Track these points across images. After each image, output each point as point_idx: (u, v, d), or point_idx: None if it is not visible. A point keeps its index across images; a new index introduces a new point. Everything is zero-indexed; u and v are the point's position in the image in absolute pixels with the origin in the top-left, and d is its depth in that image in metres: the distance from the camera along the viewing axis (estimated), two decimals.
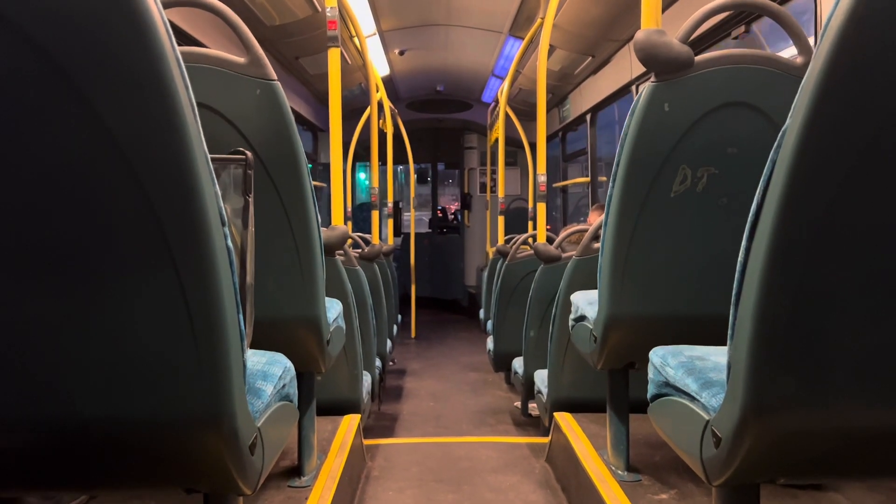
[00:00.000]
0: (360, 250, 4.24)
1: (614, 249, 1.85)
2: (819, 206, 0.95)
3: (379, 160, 4.42)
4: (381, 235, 6.66)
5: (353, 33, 5.06)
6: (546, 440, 3.00)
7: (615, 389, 2.27)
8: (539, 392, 3.18)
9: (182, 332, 0.97)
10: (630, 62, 4.77)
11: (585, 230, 3.07)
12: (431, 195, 10.49)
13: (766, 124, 1.71)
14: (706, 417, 1.19)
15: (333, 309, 2.17)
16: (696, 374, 1.30)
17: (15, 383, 0.98)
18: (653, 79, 1.73)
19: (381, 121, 6.02)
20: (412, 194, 8.20)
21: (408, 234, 8.46)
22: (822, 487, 2.08)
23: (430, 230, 10.28)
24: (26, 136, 0.88)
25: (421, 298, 8.42)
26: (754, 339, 1.02)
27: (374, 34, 5.90)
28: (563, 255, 3.28)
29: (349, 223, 6.37)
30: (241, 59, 1.73)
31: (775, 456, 1.13)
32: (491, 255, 6.04)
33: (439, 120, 9.01)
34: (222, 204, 1.00)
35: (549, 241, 3.63)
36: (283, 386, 1.36)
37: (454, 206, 10.81)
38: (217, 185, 0.98)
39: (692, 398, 1.28)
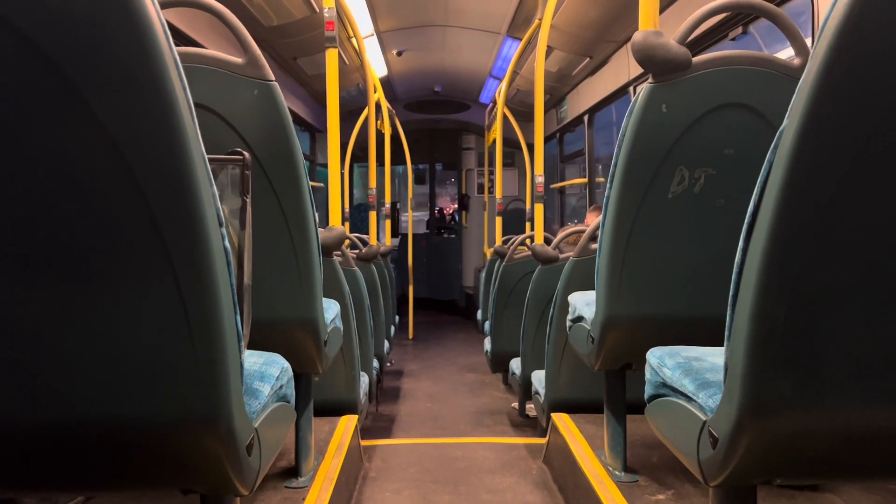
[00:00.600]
0: (357, 251, 4.24)
1: (612, 250, 1.85)
2: (816, 206, 0.95)
3: (377, 161, 4.42)
4: (379, 236, 6.66)
5: (351, 34, 5.06)
6: (543, 441, 3.00)
7: (612, 390, 2.27)
8: (536, 393, 3.18)
9: (179, 333, 0.96)
10: (628, 63, 4.78)
11: (583, 231, 3.08)
12: (429, 196, 10.49)
13: (764, 125, 1.71)
14: (703, 418, 1.19)
15: (331, 310, 2.17)
16: (693, 374, 1.30)
17: (11, 384, 0.98)
18: (650, 80, 1.73)
19: (378, 121, 6.02)
20: (409, 195, 8.20)
21: (406, 235, 8.46)
22: (819, 488, 2.08)
23: (427, 231, 10.28)
24: (23, 137, 0.88)
25: (418, 299, 8.42)
26: (751, 339, 1.02)
27: (372, 35, 5.90)
28: (561, 256, 3.29)
29: (347, 224, 6.37)
30: (238, 60, 1.73)
31: (772, 457, 1.13)
32: (489, 256, 6.05)
33: (437, 121, 9.02)
34: (220, 204, 0.99)
35: (547, 241, 3.64)
36: (281, 387, 1.36)
37: (451, 207, 10.81)
38: (214, 186, 0.98)
39: (689, 399, 1.28)
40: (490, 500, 2.67)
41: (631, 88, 4.80)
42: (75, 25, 0.84)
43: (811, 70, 0.90)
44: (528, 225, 5.32)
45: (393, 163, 6.87)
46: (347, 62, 5.93)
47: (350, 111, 6.92)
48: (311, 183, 1.85)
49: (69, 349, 0.97)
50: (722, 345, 1.13)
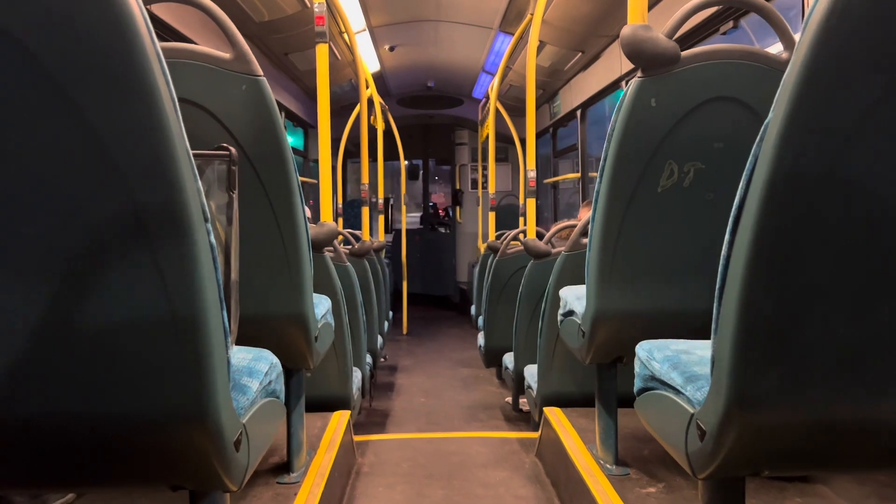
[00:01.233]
0: (350, 247, 4.24)
1: (602, 245, 1.85)
2: (801, 199, 0.95)
3: (370, 156, 4.41)
4: (373, 232, 6.65)
5: (343, 29, 5.05)
6: (536, 435, 3.00)
7: (603, 384, 2.27)
8: (529, 387, 3.19)
9: (165, 329, 0.96)
10: (619, 58, 4.78)
11: (575, 226, 3.08)
12: (422, 191, 10.48)
13: (753, 119, 1.72)
14: (691, 411, 1.20)
15: (322, 305, 2.17)
16: (681, 367, 1.30)
17: None
18: (639, 74, 1.73)
19: (371, 117, 6.01)
20: (403, 190, 8.19)
21: (399, 231, 8.46)
22: (809, 480, 2.10)
23: (421, 226, 10.28)
24: (5, 133, 0.87)
25: (412, 295, 8.42)
26: (737, 332, 1.02)
27: (364, 30, 5.88)
28: (553, 250, 3.29)
29: (340, 220, 6.36)
30: (226, 55, 1.73)
31: (760, 449, 1.13)
32: (482, 251, 6.05)
33: (430, 116, 9.00)
34: (206, 200, 0.99)
35: (540, 236, 3.64)
36: (270, 382, 1.35)
37: (443, 201, 10.80)
38: (200, 181, 0.97)
39: (677, 392, 1.28)
40: (483, 494, 2.68)
41: (623, 83, 4.80)
42: (57, 21, 0.83)
43: (795, 63, 0.91)
44: (521, 220, 5.32)
45: (386, 158, 6.85)
46: (339, 57, 5.92)
47: (343, 106, 6.91)
48: (303, 179, 1.85)
49: (55, 346, 0.97)
50: (710, 338, 1.13)
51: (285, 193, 1.79)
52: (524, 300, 3.41)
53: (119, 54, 0.85)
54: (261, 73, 1.73)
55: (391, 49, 6.66)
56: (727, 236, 1.05)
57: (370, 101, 5.47)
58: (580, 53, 5.34)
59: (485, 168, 7.73)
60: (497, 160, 6.31)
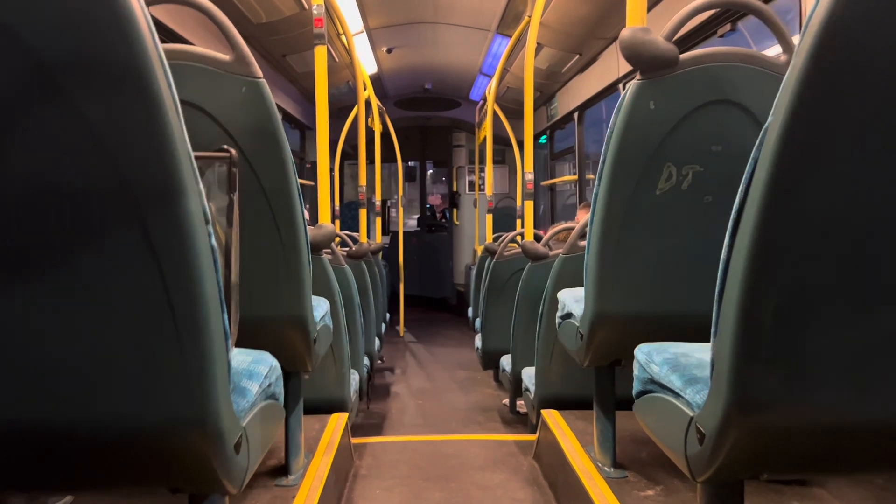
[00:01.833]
0: (347, 249, 4.23)
1: (600, 247, 1.86)
2: (800, 203, 0.95)
3: (367, 158, 4.41)
4: (370, 234, 6.65)
5: (341, 31, 5.05)
6: (534, 437, 3.00)
7: (601, 386, 2.27)
8: (527, 389, 3.19)
9: (165, 332, 0.96)
10: (617, 60, 4.78)
11: (572, 228, 3.08)
12: (420, 193, 10.48)
13: (751, 122, 1.72)
14: (690, 414, 1.20)
15: (320, 307, 2.17)
16: (681, 370, 1.30)
17: None
18: (638, 77, 1.74)
19: (369, 119, 6.01)
20: (400, 192, 8.19)
21: (396, 233, 8.45)
22: (807, 483, 2.10)
23: (418, 228, 10.28)
24: (6, 132, 0.87)
25: (410, 297, 8.41)
26: (737, 335, 1.02)
27: (362, 32, 5.88)
28: (551, 253, 3.29)
29: (338, 221, 6.35)
30: (226, 57, 1.72)
31: (759, 452, 1.14)
32: (479, 254, 6.05)
33: (428, 118, 9.01)
34: (206, 202, 0.99)
35: (537, 239, 3.64)
36: (269, 385, 1.35)
37: (440, 203, 10.80)
38: (201, 183, 0.97)
39: (676, 395, 1.28)
40: (481, 496, 2.67)
41: (620, 85, 4.81)
42: (60, 22, 0.83)
43: (795, 67, 0.91)
44: (518, 222, 5.33)
45: (383, 160, 6.85)
46: (337, 59, 5.92)
47: (340, 108, 6.90)
48: (300, 181, 1.85)
49: (55, 348, 0.97)
50: (710, 341, 1.13)
51: (284, 195, 1.79)
52: (522, 302, 3.41)
53: (121, 55, 0.85)
54: (260, 75, 1.73)
55: (389, 51, 6.66)
56: (727, 239, 1.05)
57: (368, 103, 5.47)
58: (578, 56, 5.35)
59: (482, 170, 7.73)
60: (494, 162, 6.30)
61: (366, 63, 6.56)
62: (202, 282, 0.96)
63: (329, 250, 3.14)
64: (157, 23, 3.39)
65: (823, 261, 0.99)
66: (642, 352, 1.48)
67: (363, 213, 4.56)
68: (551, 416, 2.78)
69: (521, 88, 4.46)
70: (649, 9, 3.75)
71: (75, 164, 0.89)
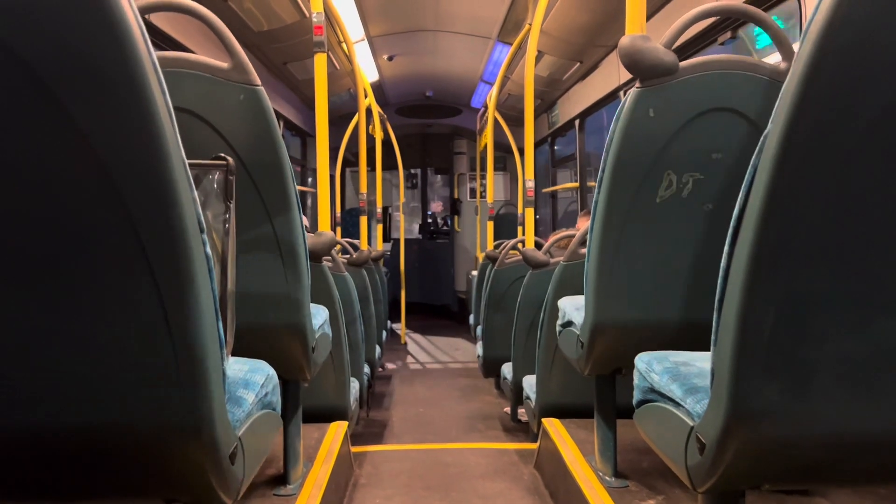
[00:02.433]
0: (348, 256, 4.23)
1: (600, 255, 1.85)
2: (800, 211, 0.95)
3: (368, 166, 4.41)
4: (371, 241, 6.65)
5: (342, 39, 5.06)
6: (535, 446, 2.99)
7: (602, 395, 2.26)
8: (527, 398, 3.17)
9: (160, 341, 0.95)
10: (618, 68, 4.79)
11: (573, 235, 3.07)
12: (421, 200, 10.48)
13: (751, 130, 1.71)
14: (690, 424, 1.19)
15: (319, 315, 2.16)
16: (681, 379, 1.29)
17: None
18: (638, 84, 1.73)
19: (370, 126, 6.01)
20: (401, 199, 8.19)
21: (397, 240, 8.45)
22: (809, 493, 2.08)
23: (419, 235, 10.27)
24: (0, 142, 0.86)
25: (411, 304, 8.40)
26: (737, 344, 1.01)
27: (363, 39, 5.89)
28: (552, 260, 3.28)
29: (338, 229, 6.35)
30: (225, 65, 1.72)
31: (759, 462, 1.12)
32: (480, 261, 6.04)
33: (429, 125, 9.02)
34: (202, 210, 0.98)
35: (538, 246, 3.63)
36: (266, 394, 1.34)
37: (441, 210, 10.80)
38: (195, 191, 0.97)
39: (677, 404, 1.27)
40: None
41: (621, 93, 4.81)
42: (51, 30, 0.83)
43: (795, 74, 0.90)
44: (519, 229, 5.32)
45: (384, 167, 6.86)
46: (338, 67, 5.92)
47: (341, 116, 6.91)
48: (301, 188, 1.84)
49: (48, 357, 0.96)
50: (710, 350, 1.12)
51: (282, 203, 1.78)
52: (523, 310, 3.40)
53: (112, 63, 0.84)
54: (259, 82, 1.73)
55: (390, 59, 6.67)
56: (727, 247, 1.04)
57: (369, 111, 5.48)
58: (578, 63, 5.36)
59: (483, 177, 7.73)
60: (495, 169, 6.31)
61: (367, 71, 6.57)
62: (196, 290, 0.95)
63: (329, 258, 3.13)
64: (158, 31, 3.40)
65: (824, 269, 0.98)
66: (643, 360, 1.47)
67: (364, 220, 4.56)
68: (552, 425, 2.76)
69: (521, 96, 4.46)
70: (649, 17, 3.75)
71: (66, 172, 0.88)
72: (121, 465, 1.08)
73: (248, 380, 1.29)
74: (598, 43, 4.83)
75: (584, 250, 2.03)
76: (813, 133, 0.91)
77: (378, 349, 4.66)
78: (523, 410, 3.66)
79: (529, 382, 3.17)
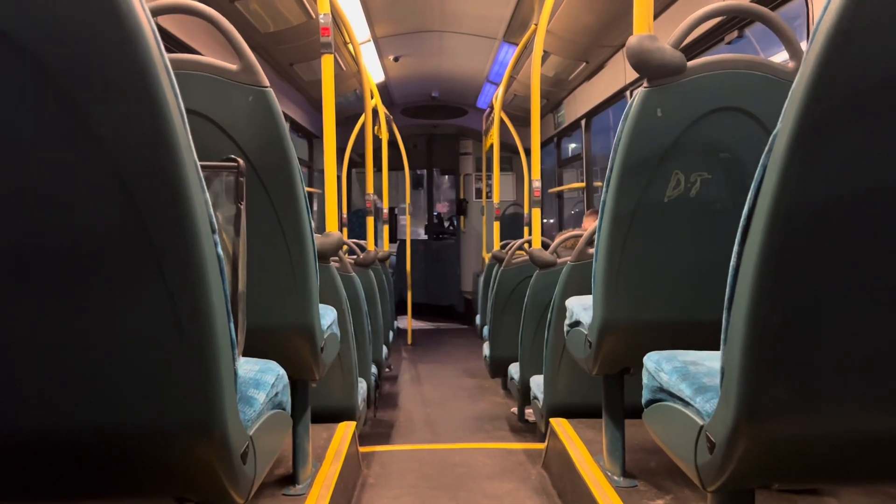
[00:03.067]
0: (355, 257, 4.23)
1: (608, 255, 1.85)
2: (809, 210, 0.95)
3: (374, 166, 4.42)
4: (378, 242, 6.65)
5: (348, 40, 5.07)
6: (542, 446, 2.99)
7: (610, 395, 2.26)
8: (535, 398, 3.18)
9: (171, 341, 0.96)
10: (624, 68, 4.78)
11: (580, 235, 3.07)
12: (427, 201, 10.48)
13: (759, 129, 1.71)
14: (700, 423, 1.19)
15: (328, 316, 2.16)
16: (690, 379, 1.29)
17: (2, 393, 0.97)
18: (645, 84, 1.73)
19: (376, 127, 6.02)
20: (408, 200, 8.19)
21: (403, 241, 8.46)
22: (819, 492, 2.08)
23: (426, 236, 10.27)
24: (12, 143, 0.87)
25: (417, 304, 8.40)
26: (747, 343, 1.01)
27: (369, 40, 5.91)
28: (559, 260, 3.28)
29: (345, 230, 6.36)
30: (233, 67, 1.73)
31: (770, 461, 1.12)
32: (487, 261, 6.05)
33: (435, 126, 9.02)
34: (213, 211, 0.99)
35: (545, 246, 3.63)
36: (276, 394, 1.35)
37: (447, 211, 10.80)
38: (207, 193, 0.97)
39: (686, 403, 1.27)
40: None
41: (627, 93, 4.80)
42: (66, 32, 0.84)
43: (804, 73, 0.90)
44: (525, 229, 5.32)
45: (390, 168, 6.86)
46: (344, 68, 5.93)
47: (348, 117, 6.92)
48: (308, 189, 1.85)
49: (61, 358, 0.97)
50: (719, 349, 1.12)
51: (292, 204, 1.79)
52: (529, 310, 3.40)
53: (127, 65, 0.85)
54: (267, 84, 1.74)
55: (396, 59, 6.68)
56: (736, 246, 1.04)
57: (375, 112, 5.49)
58: (584, 63, 5.35)
59: (489, 178, 7.73)
60: (501, 170, 6.30)
61: (373, 71, 6.58)
62: (208, 291, 0.96)
63: (337, 258, 3.14)
64: (166, 33, 3.41)
65: (834, 268, 0.98)
66: (651, 360, 1.47)
67: (370, 220, 4.57)
68: (560, 425, 2.76)
69: (527, 96, 4.46)
70: (656, 16, 3.74)
71: (80, 174, 0.89)
72: (132, 464, 1.09)
73: (259, 380, 1.30)
74: (603, 43, 4.83)
75: (592, 250, 2.03)
76: (822, 132, 0.92)
77: (385, 349, 4.67)
78: (530, 410, 3.66)
79: (537, 382, 3.17)
